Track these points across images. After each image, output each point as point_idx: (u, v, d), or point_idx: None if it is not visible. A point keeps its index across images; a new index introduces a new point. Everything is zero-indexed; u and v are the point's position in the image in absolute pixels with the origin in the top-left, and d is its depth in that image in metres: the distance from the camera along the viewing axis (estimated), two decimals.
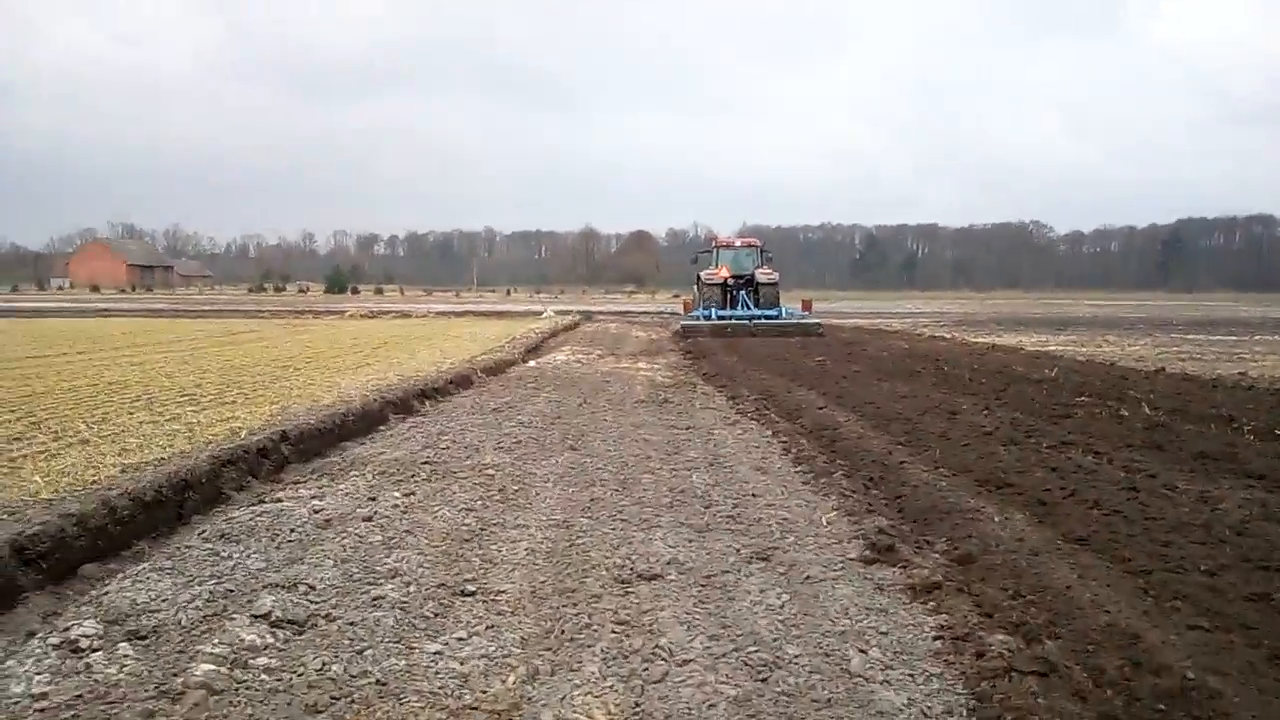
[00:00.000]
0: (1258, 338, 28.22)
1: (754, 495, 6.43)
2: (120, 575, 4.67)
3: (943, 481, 6.87)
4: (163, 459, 6.92)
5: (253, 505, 5.97)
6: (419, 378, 13.38)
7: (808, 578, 4.78)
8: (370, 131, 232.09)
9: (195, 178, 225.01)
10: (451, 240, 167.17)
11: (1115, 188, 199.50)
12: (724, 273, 29.19)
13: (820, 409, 10.88)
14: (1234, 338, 27.89)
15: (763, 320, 27.12)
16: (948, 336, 27.31)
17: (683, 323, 27.93)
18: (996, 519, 5.79)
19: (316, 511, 5.64)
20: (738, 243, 31.98)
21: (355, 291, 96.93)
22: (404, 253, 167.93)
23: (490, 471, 6.95)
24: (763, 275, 28.86)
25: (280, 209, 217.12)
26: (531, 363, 17.40)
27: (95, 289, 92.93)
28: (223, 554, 4.94)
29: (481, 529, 5.56)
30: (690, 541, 5.37)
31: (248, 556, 4.88)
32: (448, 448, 7.90)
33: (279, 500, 5.98)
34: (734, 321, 26.83)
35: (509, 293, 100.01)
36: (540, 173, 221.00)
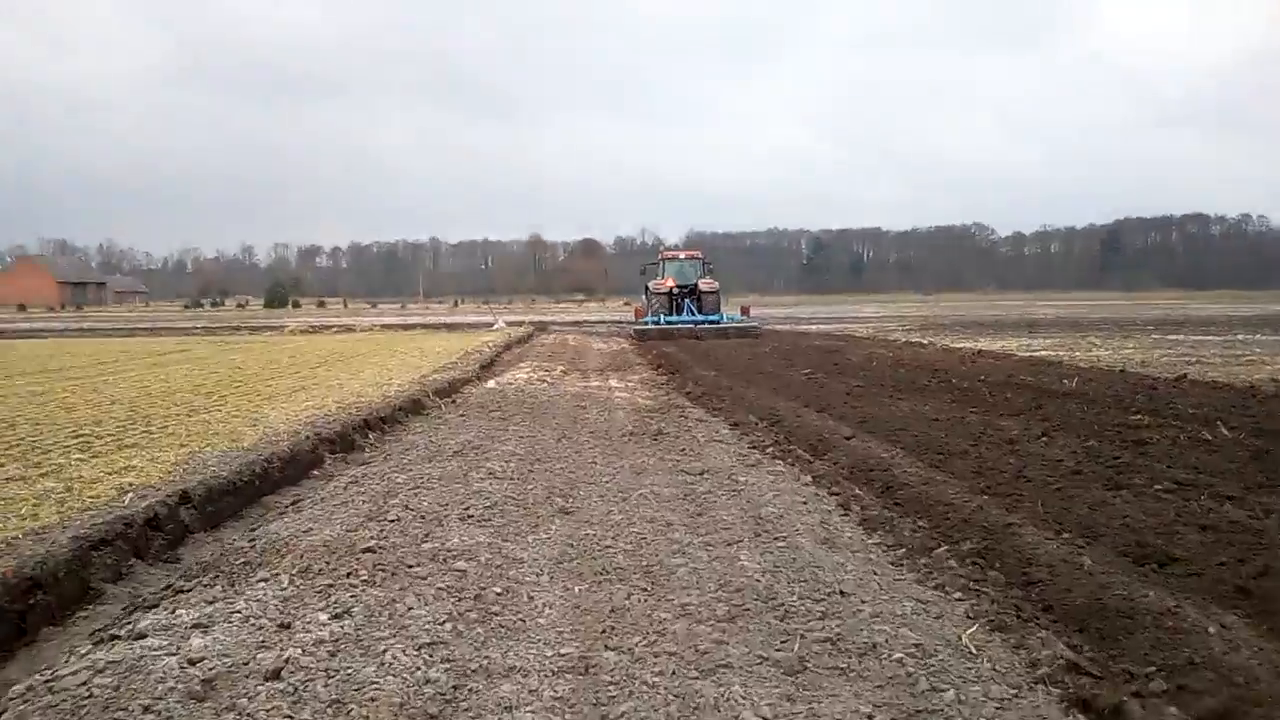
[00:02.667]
0: (1240, 337, 27.17)
1: (842, 594, 4.43)
2: None
3: (1081, 556, 5.02)
4: (14, 540, 5.04)
5: (102, 644, 3.88)
6: (362, 404, 11.45)
7: None
8: (311, 141, 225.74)
9: (131, 190, 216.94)
10: (396, 251, 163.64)
11: (1054, 189, 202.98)
12: (670, 283, 32.37)
13: (849, 439, 9.03)
14: (1217, 337, 26.78)
15: (706, 325, 30.01)
16: (925, 343, 25.80)
17: (635, 328, 30.93)
18: (1211, 630, 3.97)
19: (192, 661, 3.55)
20: (682, 255, 35.97)
21: (296, 305, 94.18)
22: (347, 265, 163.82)
23: (460, 564, 4.84)
24: (705, 285, 32.37)
25: (219, 222, 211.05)
26: (490, 383, 15.32)
27: (22, 308, 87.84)
28: None
29: (455, 688, 3.45)
30: (790, 700, 3.39)
31: None
32: (398, 520, 5.80)
33: (142, 636, 3.88)
34: (680, 326, 29.76)
35: (457, 304, 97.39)
36: (485, 183, 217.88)
